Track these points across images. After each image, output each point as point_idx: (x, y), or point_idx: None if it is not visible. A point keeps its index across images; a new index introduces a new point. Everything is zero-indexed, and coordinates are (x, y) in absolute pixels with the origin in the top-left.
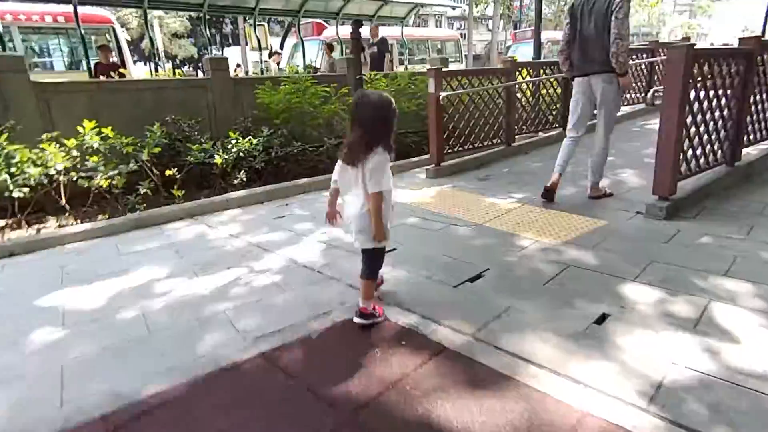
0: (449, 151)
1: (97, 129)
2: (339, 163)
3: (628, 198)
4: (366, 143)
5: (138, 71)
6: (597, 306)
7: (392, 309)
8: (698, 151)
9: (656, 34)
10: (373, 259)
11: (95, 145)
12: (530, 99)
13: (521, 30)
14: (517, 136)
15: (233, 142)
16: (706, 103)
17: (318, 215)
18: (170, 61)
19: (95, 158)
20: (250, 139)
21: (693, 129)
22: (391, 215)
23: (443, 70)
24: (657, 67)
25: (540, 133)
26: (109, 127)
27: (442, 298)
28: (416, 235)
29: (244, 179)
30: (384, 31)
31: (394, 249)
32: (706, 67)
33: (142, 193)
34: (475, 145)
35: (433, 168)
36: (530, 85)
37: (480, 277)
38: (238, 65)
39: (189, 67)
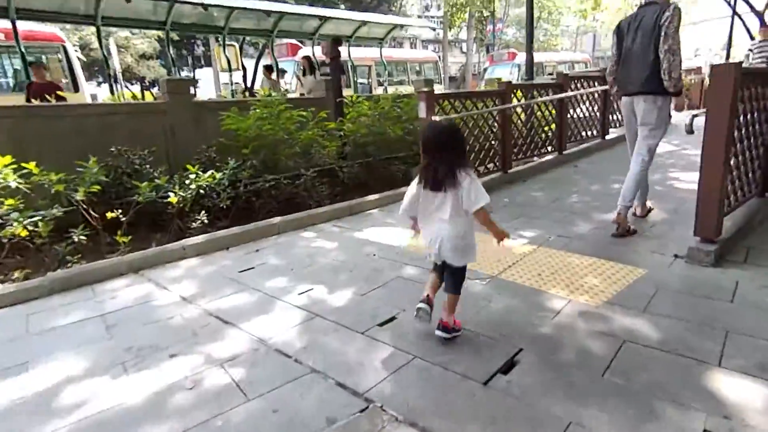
0: None
1: (15, 165)
2: (412, 193)
3: (655, 236)
4: (450, 169)
5: (102, 93)
6: (690, 416)
7: (403, 430)
8: (736, 184)
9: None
10: (461, 276)
11: (12, 185)
12: (525, 122)
13: (498, 52)
14: (512, 162)
15: (191, 177)
16: (744, 130)
17: (296, 265)
18: (139, 82)
19: (11, 201)
20: (212, 173)
21: (733, 159)
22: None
23: (435, 92)
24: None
25: (535, 158)
26: (33, 162)
27: (470, 405)
28: (419, 296)
29: (206, 221)
30: (363, 53)
31: (393, 319)
32: (745, 90)
33: (75, 240)
34: None
35: None
36: (524, 108)
37: (514, 363)
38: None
39: (158, 88)
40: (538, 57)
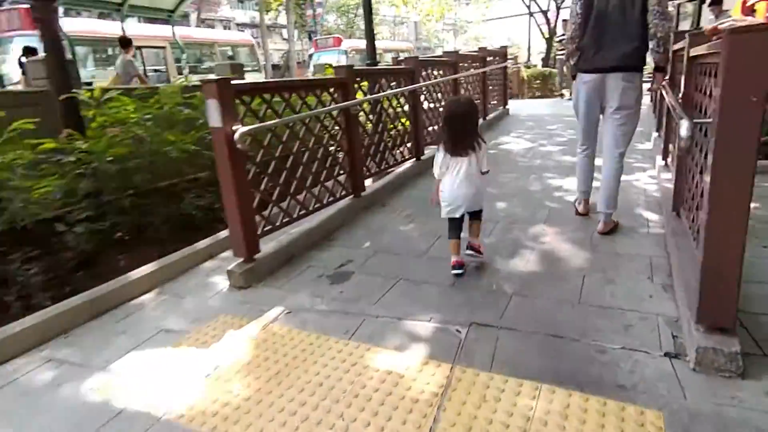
0: (267, 227)
1: None
2: (441, 159)
3: (602, 304)
4: (475, 137)
5: None
6: None
7: None
8: None
9: (434, 49)
10: (481, 211)
11: None
12: (376, 123)
13: (322, 38)
14: (364, 181)
15: None
16: None
17: None
18: None
19: None
20: None
21: None
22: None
23: (237, 83)
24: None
25: (391, 169)
26: None
27: None
28: None
29: None
30: (153, 30)
31: None
32: None
33: None
34: (310, 207)
35: (242, 267)
36: (373, 103)
37: None
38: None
39: None
40: (364, 45)
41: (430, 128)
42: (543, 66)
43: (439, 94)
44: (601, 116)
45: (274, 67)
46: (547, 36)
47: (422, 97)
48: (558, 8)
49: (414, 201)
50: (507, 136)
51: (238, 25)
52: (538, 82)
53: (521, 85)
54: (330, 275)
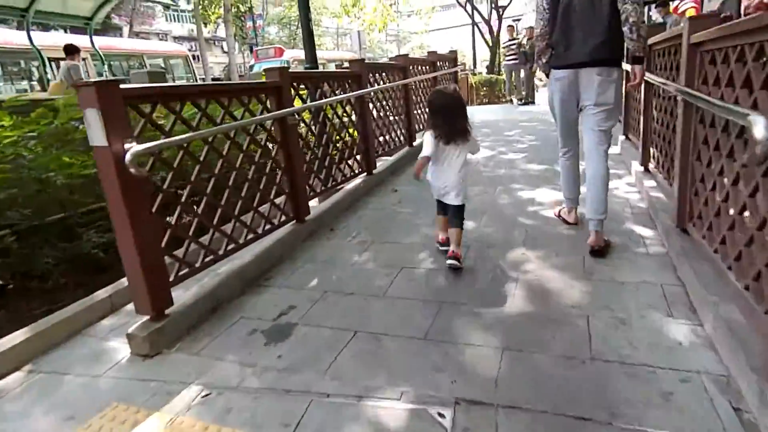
0: (184, 269)
1: None
2: (431, 141)
3: (616, 356)
4: (464, 127)
5: None
6: None
7: None
8: None
9: (378, 59)
10: (462, 212)
11: None
12: (320, 134)
13: (263, 48)
14: (308, 202)
15: None
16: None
17: None
18: None
19: None
20: None
21: None
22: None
23: (128, 87)
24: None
25: (338, 186)
26: None
27: None
28: None
29: None
30: (76, 40)
31: None
32: None
33: None
34: (240, 239)
35: (148, 327)
36: (312, 111)
37: None
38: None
39: None
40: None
41: (381, 138)
42: (488, 73)
43: (390, 102)
44: (580, 116)
45: (215, 81)
46: (490, 44)
47: (371, 105)
48: (500, 17)
49: (368, 223)
50: None
51: (175, 38)
52: (485, 89)
53: (470, 91)
54: (266, 330)
